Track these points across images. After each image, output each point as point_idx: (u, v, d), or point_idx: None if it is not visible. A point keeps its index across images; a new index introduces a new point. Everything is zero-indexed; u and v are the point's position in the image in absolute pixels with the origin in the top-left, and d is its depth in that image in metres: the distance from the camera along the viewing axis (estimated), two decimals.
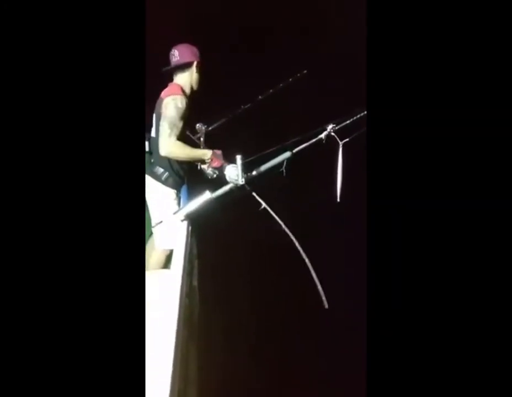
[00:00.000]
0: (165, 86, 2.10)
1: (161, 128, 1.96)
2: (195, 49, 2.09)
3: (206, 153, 2.06)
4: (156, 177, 2.11)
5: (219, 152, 2.08)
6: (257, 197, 1.91)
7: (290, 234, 1.91)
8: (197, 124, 2.35)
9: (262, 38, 3.49)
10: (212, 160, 2.05)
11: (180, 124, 1.97)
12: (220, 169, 2.04)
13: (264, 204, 1.90)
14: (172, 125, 1.94)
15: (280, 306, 2.43)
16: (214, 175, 2.11)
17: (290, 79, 2.38)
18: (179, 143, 1.97)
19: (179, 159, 2.04)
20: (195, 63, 2.07)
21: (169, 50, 2.10)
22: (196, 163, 2.17)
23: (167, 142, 1.94)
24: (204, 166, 2.14)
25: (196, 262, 2.18)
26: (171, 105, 1.97)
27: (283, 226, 1.90)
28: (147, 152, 2.21)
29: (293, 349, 2.16)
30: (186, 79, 2.08)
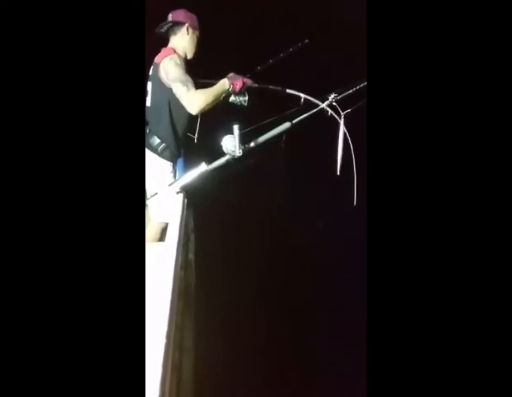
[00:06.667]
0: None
1: (176, 92, 1.86)
2: (189, 13, 2.04)
3: (224, 82, 1.95)
4: (152, 149, 2.04)
5: (231, 74, 1.99)
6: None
7: None
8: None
9: (262, 6, 3.37)
10: (232, 84, 1.95)
11: (189, 77, 1.88)
12: (246, 88, 1.96)
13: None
14: (184, 82, 1.85)
15: (277, 279, 2.42)
16: (246, 98, 2.00)
17: (291, 49, 2.29)
18: (199, 91, 1.85)
19: (210, 105, 1.88)
20: (187, 25, 2.00)
21: None
22: (224, 99, 2.01)
23: (190, 98, 1.83)
24: (232, 99, 2.02)
25: (192, 236, 2.16)
26: (171, 65, 1.89)
27: None
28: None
29: (293, 327, 2.17)
30: (179, 42, 2.01)
